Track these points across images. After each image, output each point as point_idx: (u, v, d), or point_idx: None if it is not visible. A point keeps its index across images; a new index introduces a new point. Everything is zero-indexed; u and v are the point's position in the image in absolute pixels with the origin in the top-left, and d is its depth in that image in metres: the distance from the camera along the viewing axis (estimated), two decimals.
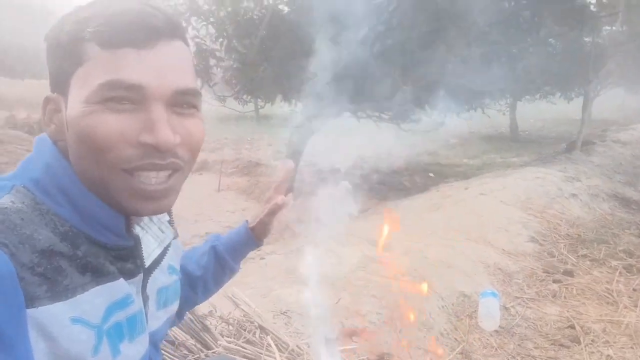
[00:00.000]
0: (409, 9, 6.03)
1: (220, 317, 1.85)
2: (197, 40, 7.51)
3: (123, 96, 0.64)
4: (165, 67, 0.67)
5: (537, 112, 21.29)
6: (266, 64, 6.79)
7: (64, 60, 0.67)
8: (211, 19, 7.13)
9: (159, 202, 0.70)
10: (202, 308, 1.91)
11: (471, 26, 6.50)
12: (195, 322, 1.77)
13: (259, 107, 15.56)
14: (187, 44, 0.74)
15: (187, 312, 1.49)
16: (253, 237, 1.14)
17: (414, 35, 6.21)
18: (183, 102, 0.70)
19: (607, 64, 10.45)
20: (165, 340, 1.70)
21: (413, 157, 12.20)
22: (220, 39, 7.33)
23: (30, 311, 0.57)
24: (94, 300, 0.67)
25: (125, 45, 0.64)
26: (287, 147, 7.94)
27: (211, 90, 7.93)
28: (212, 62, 7.60)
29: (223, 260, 1.12)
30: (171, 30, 0.69)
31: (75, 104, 0.65)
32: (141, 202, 0.68)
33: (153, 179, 0.68)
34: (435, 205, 5.23)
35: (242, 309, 1.87)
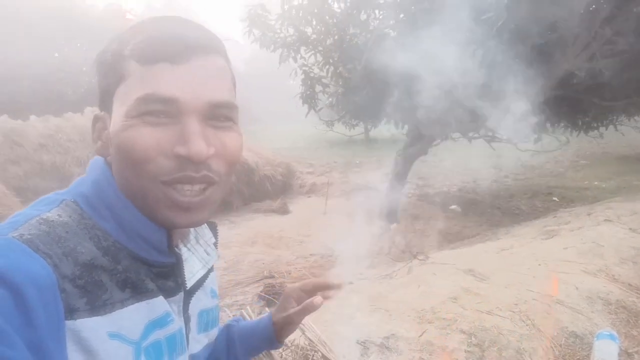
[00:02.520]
0: (521, 19, 5.66)
1: (285, 344, 1.80)
2: (304, 68, 7.80)
3: (159, 110, 0.66)
4: (200, 80, 0.68)
5: None
6: (369, 87, 6.80)
7: (108, 78, 0.71)
8: (319, 48, 7.37)
9: (193, 214, 0.71)
10: None
11: (596, 35, 5.93)
12: None
13: (368, 129, 15.63)
14: (225, 59, 0.75)
15: None
16: (273, 332, 1.05)
17: (528, 48, 5.80)
18: (219, 115, 0.71)
19: None
20: None
21: (534, 179, 11.34)
22: (327, 66, 7.54)
23: (69, 323, 0.59)
24: (133, 316, 0.68)
25: (161, 60, 0.66)
26: (393, 169, 7.82)
27: (317, 115, 8.16)
28: (319, 88, 7.83)
29: (232, 344, 1.06)
30: (206, 44, 0.70)
31: (116, 119, 0.69)
32: (175, 213, 0.69)
33: (187, 191, 0.69)
34: (549, 232, 4.75)
35: (307, 336, 1.81)
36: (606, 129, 9.08)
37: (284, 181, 10.29)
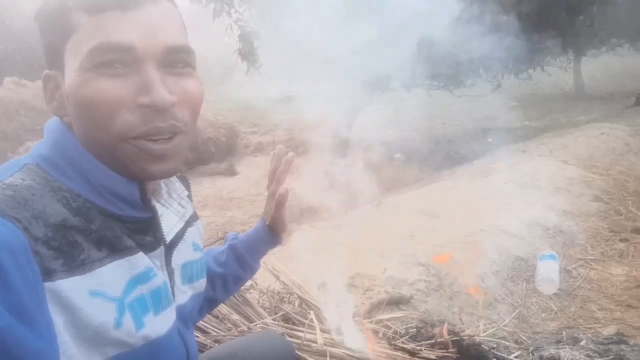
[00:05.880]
0: None
1: (261, 291, 1.88)
2: (240, 23, 7.57)
3: (115, 59, 0.65)
4: (153, 26, 0.67)
5: (604, 66, 19.89)
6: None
7: (54, 34, 0.69)
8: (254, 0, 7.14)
9: (165, 163, 0.71)
10: None
11: None
12: (236, 296, 1.80)
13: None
14: (174, 4, 0.74)
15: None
16: (270, 233, 1.13)
17: None
18: (177, 60, 0.70)
19: None
20: (210, 314, 1.75)
21: (469, 123, 11.80)
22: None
23: (47, 285, 0.59)
24: (113, 273, 0.67)
25: (110, 8, 0.64)
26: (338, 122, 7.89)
27: (258, 72, 7.99)
28: (257, 43, 7.64)
29: (242, 258, 1.12)
30: None
31: (70, 74, 0.67)
32: (148, 164, 0.69)
33: (159, 140, 0.68)
34: (489, 169, 5.03)
35: (282, 281, 1.89)
36: (534, 71, 9.50)
37: (228, 142, 10.12)
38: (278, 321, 1.69)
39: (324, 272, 2.39)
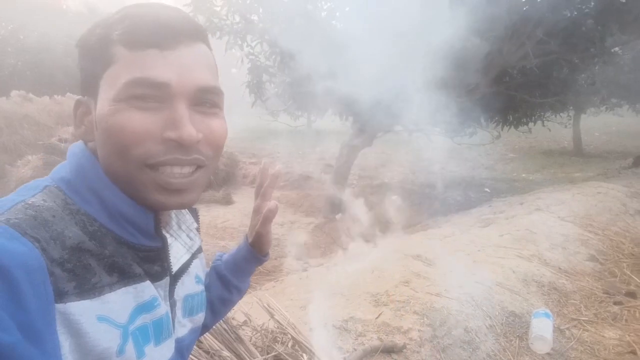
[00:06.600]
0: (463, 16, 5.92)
1: (254, 328, 1.84)
2: (251, 57, 7.72)
3: (148, 94, 0.67)
4: (188, 66, 0.69)
5: (603, 125, 20.25)
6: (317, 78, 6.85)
7: (94, 63, 0.71)
8: (266, 37, 7.31)
9: (183, 195, 0.72)
10: (237, 317, 1.91)
11: (530, 36, 6.29)
12: (229, 332, 1.78)
13: (312, 120, 15.71)
14: (209, 48, 0.77)
15: (212, 327, 1.45)
16: (254, 251, 1.10)
17: (466, 46, 6.07)
18: (206, 100, 0.72)
19: None
20: (201, 349, 1.72)
21: (468, 171, 11.90)
22: (274, 56, 7.50)
23: (58, 306, 0.59)
24: (121, 300, 0.68)
25: (151, 46, 0.67)
26: (337, 160, 7.95)
27: (264, 105, 8.11)
28: (265, 77, 7.78)
29: (225, 279, 1.10)
30: (193, 33, 0.72)
31: (103, 103, 0.69)
32: (166, 195, 0.70)
33: (177, 173, 0.70)
34: (486, 220, 5.05)
35: (277, 320, 1.86)
36: (534, 124, 9.66)
37: (227, 171, 10.17)
38: None
39: (317, 313, 2.37)
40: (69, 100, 12.06)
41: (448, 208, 7.95)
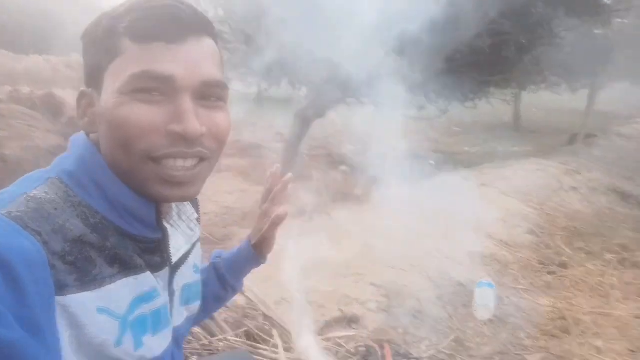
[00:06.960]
0: None
1: (226, 305, 1.90)
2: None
3: (153, 87, 0.67)
4: (194, 60, 0.70)
5: (541, 102, 21.15)
6: (273, 47, 6.77)
7: (99, 55, 0.71)
8: (220, 1, 7.08)
9: (186, 188, 0.73)
10: None
11: (483, 17, 6.46)
12: None
13: (263, 89, 15.46)
14: (216, 42, 0.77)
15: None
16: (256, 254, 1.11)
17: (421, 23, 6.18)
18: (210, 94, 0.73)
19: (615, 56, 10.40)
20: None
21: (414, 143, 12.20)
22: (229, 22, 7.28)
23: (59, 299, 0.60)
24: (121, 291, 0.69)
25: (157, 39, 0.68)
26: (290, 130, 7.96)
27: None
28: (220, 45, 7.57)
29: (223, 278, 1.11)
30: (200, 27, 0.72)
31: (107, 95, 0.69)
32: (169, 188, 0.71)
33: (180, 166, 0.70)
34: (434, 194, 5.27)
35: (247, 296, 1.93)
36: (480, 100, 10.00)
37: None
38: (240, 337, 1.72)
39: (282, 287, 2.45)
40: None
41: (396, 179, 8.19)
